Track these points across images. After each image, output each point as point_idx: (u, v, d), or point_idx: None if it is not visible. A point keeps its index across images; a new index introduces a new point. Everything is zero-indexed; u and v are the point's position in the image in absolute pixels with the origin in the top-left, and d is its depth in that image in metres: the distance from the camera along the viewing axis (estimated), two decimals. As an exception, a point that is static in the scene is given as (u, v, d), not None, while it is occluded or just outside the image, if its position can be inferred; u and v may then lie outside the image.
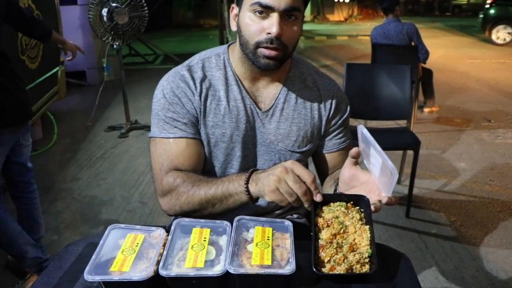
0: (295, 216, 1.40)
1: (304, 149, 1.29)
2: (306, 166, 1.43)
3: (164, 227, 1.06)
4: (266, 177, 1.04)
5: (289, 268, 0.90)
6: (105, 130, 4.78)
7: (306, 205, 1.02)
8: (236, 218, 1.04)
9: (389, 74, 3.01)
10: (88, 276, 0.89)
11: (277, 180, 1.00)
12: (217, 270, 0.90)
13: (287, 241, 0.99)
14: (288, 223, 1.05)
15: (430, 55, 4.51)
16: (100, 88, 5.16)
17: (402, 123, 3.17)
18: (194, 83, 1.22)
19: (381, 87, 3.01)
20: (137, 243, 1.00)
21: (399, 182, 3.26)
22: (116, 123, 4.87)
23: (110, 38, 4.43)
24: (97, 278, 0.90)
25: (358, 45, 11.53)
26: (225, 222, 1.05)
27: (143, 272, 0.91)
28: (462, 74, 7.65)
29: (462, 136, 4.48)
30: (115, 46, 4.55)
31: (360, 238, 0.97)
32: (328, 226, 1.00)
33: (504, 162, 3.85)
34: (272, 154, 1.28)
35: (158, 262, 0.93)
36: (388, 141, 2.78)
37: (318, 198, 1.02)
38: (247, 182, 1.08)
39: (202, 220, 1.06)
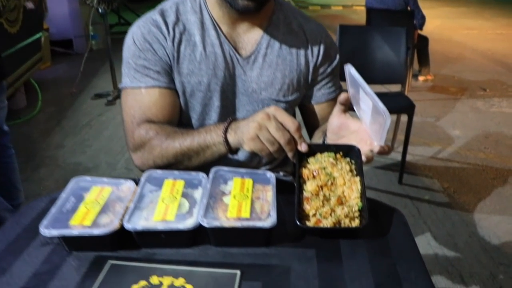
0: (281, 173, 1.31)
1: (290, 98, 1.19)
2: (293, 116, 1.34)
3: (134, 179, 0.97)
4: (246, 124, 0.94)
5: (269, 221, 0.81)
6: (92, 98, 4.64)
7: (289, 155, 0.93)
8: (213, 169, 0.95)
9: (384, 37, 2.89)
10: (44, 231, 0.80)
11: (257, 127, 0.91)
12: (189, 223, 0.81)
13: (268, 193, 0.90)
14: (270, 174, 0.96)
15: (426, 24, 4.38)
16: (85, 54, 5.00)
17: (396, 88, 3.06)
18: (167, 28, 1.10)
19: (376, 50, 2.90)
20: (103, 196, 0.91)
21: (392, 148, 3.18)
22: (103, 91, 4.73)
23: (95, 1, 4.26)
24: (54, 232, 0.80)
25: (353, 15, 11.30)
26: (201, 174, 0.96)
27: (106, 226, 0.81)
28: (458, 44, 7.52)
29: (457, 105, 4.40)
30: (100, 10, 4.37)
31: (350, 190, 0.88)
32: (314, 177, 0.91)
33: (499, 130, 3.77)
34: (254, 104, 1.18)
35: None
36: (384, 104, 2.68)
37: (303, 147, 0.92)
38: (225, 131, 0.99)
39: (176, 172, 0.97)
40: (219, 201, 0.88)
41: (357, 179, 0.90)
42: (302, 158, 0.94)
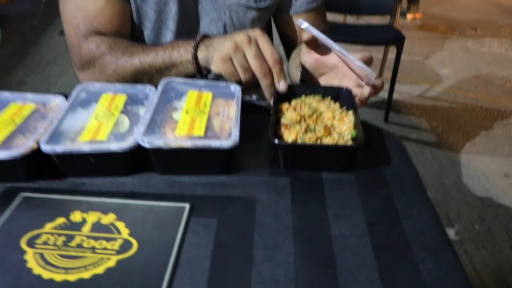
0: (254, 97, 1.11)
1: (263, 4, 0.97)
2: (269, 33, 1.12)
3: (66, 95, 0.77)
4: (221, 42, 0.76)
5: (229, 141, 0.62)
6: (59, 33, 4.29)
7: (266, 95, 0.76)
8: (163, 81, 0.75)
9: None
10: None
11: (233, 47, 0.73)
12: (124, 144, 0.62)
13: (231, 109, 0.71)
14: (235, 87, 0.76)
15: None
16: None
17: (385, 21, 2.83)
18: None
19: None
20: (22, 114, 0.71)
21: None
22: (71, 26, 4.38)
23: None
24: None
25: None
26: (149, 87, 0.76)
27: (18, 148, 0.62)
28: (448, -18, 7.20)
29: (447, 44, 4.19)
30: None
31: (340, 122, 0.70)
32: (294, 109, 0.73)
33: (490, 70, 3.60)
34: (220, 11, 0.96)
35: (40, 134, 0.64)
36: (369, 35, 2.47)
37: (281, 86, 0.74)
38: (196, 47, 0.80)
39: (118, 85, 0.77)
40: (168, 118, 0.68)
41: (350, 112, 0.71)
42: (280, 101, 0.75)
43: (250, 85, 0.78)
